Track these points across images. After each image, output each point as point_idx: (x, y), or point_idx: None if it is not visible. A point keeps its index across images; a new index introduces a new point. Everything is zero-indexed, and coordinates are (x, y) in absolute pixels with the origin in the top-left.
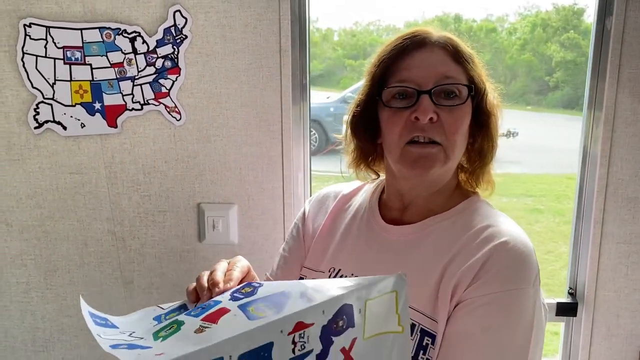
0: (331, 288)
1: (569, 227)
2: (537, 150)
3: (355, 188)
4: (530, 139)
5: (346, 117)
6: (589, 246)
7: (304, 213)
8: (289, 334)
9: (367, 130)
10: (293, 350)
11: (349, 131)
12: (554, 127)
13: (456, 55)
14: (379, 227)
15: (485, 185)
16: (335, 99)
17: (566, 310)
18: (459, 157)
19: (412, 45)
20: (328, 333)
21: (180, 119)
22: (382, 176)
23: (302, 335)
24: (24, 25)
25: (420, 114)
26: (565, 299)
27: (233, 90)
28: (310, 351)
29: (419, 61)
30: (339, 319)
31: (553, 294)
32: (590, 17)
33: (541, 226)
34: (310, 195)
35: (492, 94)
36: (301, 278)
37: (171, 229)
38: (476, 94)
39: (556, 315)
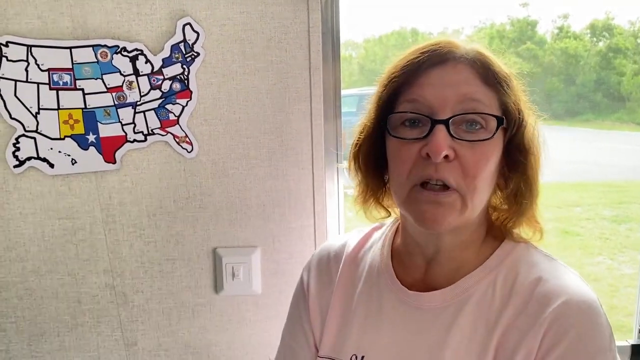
0: None
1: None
2: None
3: (359, 241)
4: None
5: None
6: None
7: (303, 287)
8: None
9: (376, 162)
10: None
11: (352, 163)
12: None
13: (487, 75)
14: (402, 294)
15: (528, 231)
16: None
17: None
18: (481, 204)
19: (430, 60)
20: None
21: (191, 150)
22: (393, 215)
23: None
24: (0, 44)
25: (433, 150)
26: (637, 339)
27: (254, 115)
28: None
29: (437, 79)
30: None
31: None
32: (542, 29)
33: None
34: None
35: (532, 127)
36: None
37: (182, 279)
38: (509, 126)
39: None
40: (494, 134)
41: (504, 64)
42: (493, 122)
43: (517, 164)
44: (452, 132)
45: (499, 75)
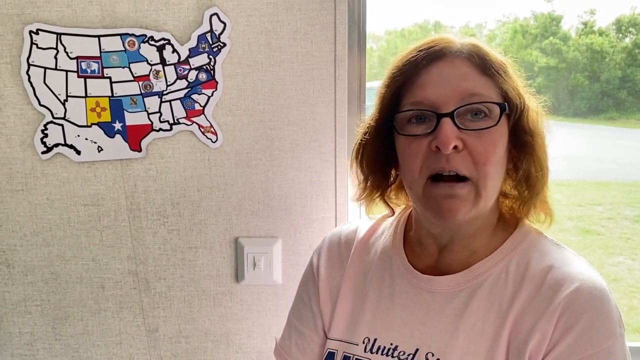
0: None
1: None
2: None
3: (370, 228)
4: None
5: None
6: None
7: (313, 270)
8: None
9: (379, 161)
10: None
11: (355, 162)
12: None
13: (484, 66)
14: (414, 279)
15: (539, 216)
16: None
17: None
18: (495, 192)
19: (428, 57)
20: None
21: (216, 140)
22: (398, 211)
23: None
24: (30, 31)
25: (442, 142)
26: None
27: (279, 106)
28: None
29: (436, 76)
30: None
31: None
32: (566, 25)
33: None
34: None
35: (535, 110)
36: (331, 354)
37: (203, 268)
38: (512, 111)
39: None
40: (499, 120)
41: (499, 53)
42: (496, 109)
43: (524, 145)
44: (458, 124)
45: (495, 64)
